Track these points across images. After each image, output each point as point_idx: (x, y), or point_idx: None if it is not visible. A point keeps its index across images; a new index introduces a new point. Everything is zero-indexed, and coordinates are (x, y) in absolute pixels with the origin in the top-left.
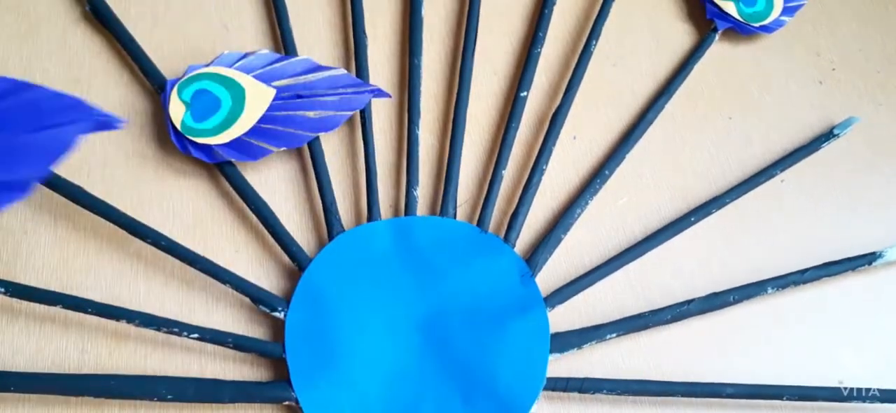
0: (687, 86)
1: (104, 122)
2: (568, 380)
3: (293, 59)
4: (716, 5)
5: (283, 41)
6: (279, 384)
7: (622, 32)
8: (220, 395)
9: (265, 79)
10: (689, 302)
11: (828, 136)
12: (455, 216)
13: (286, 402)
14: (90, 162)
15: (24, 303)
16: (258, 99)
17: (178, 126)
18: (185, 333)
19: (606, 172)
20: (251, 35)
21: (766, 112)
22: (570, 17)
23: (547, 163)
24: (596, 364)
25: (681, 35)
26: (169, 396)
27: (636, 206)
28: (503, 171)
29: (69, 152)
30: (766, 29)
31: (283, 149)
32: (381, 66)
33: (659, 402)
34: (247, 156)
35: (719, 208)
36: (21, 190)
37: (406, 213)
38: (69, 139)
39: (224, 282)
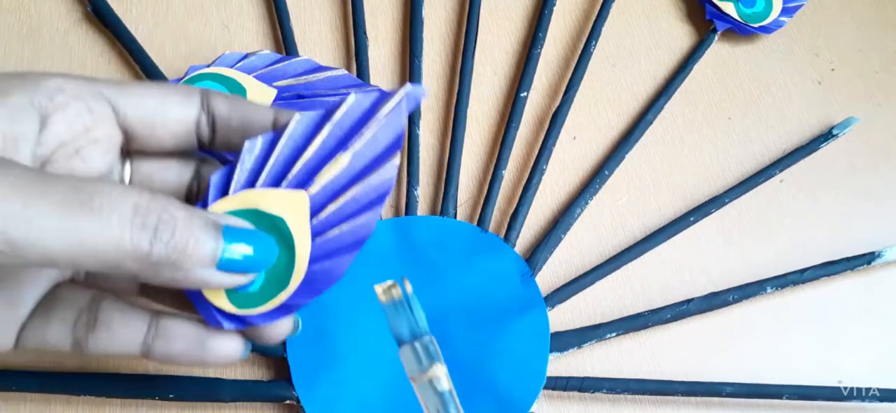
0: (686, 86)
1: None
2: (568, 379)
3: (294, 60)
4: (715, 6)
5: (284, 41)
6: (280, 383)
7: (622, 33)
8: (221, 393)
9: (266, 79)
10: (688, 301)
11: (827, 136)
12: (455, 216)
13: (287, 401)
14: None
15: None
16: (259, 99)
17: None
18: None
19: (606, 172)
20: (252, 35)
21: (766, 112)
22: (569, 18)
23: (547, 163)
24: (596, 363)
25: (680, 36)
26: (170, 395)
27: (636, 205)
28: (503, 171)
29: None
30: (766, 30)
31: None
32: (382, 66)
33: (659, 401)
34: None
35: (719, 208)
36: (337, 276)
37: (407, 213)
38: (371, 225)
39: None
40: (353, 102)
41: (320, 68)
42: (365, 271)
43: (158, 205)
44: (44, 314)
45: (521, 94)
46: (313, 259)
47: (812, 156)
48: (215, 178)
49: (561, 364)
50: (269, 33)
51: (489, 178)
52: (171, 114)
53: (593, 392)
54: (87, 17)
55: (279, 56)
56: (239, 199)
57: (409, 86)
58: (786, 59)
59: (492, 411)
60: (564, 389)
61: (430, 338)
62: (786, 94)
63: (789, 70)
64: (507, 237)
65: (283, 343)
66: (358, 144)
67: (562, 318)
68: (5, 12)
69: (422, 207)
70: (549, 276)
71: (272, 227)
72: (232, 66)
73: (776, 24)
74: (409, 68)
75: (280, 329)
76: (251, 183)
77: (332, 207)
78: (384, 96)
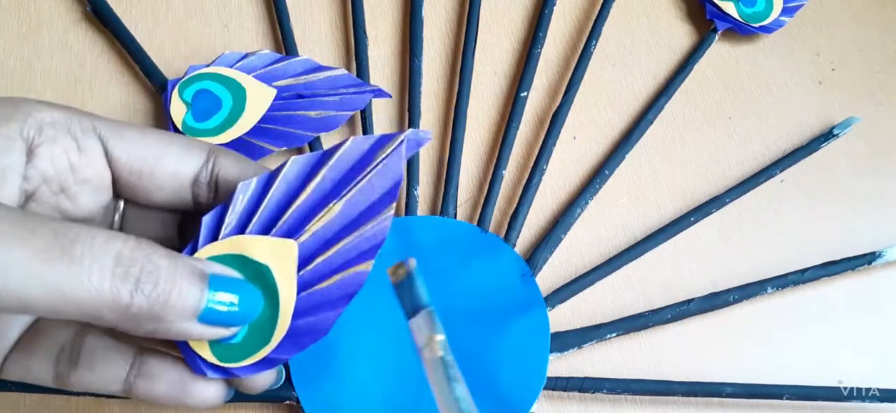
0: (687, 86)
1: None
2: (568, 379)
3: (294, 60)
4: (715, 6)
5: (283, 41)
6: None
7: (622, 33)
8: None
9: (266, 79)
10: (689, 301)
11: (827, 136)
12: (455, 216)
13: (287, 401)
14: None
15: None
16: (259, 99)
17: (180, 126)
18: None
19: (606, 172)
20: (252, 35)
21: (766, 112)
22: (570, 18)
23: (547, 163)
24: (596, 363)
25: (680, 35)
26: None
27: (636, 205)
28: (503, 171)
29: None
30: (766, 29)
31: (283, 148)
32: (382, 66)
33: (659, 402)
34: (248, 155)
35: (719, 208)
36: (322, 332)
37: (406, 213)
38: (360, 280)
39: None
40: (351, 145)
41: (320, 68)
42: None
43: (142, 254)
44: (27, 346)
45: (522, 94)
46: (298, 313)
47: (813, 156)
48: (207, 220)
49: (561, 364)
50: (268, 33)
51: (489, 178)
52: (162, 166)
53: (594, 392)
54: (86, 17)
55: (279, 56)
56: (227, 244)
57: (410, 131)
58: (786, 59)
59: (492, 412)
60: (565, 390)
61: (427, 310)
62: (786, 93)
63: (790, 70)
64: (507, 237)
65: None
66: (351, 192)
67: (562, 318)
68: (5, 12)
69: (422, 207)
70: (549, 276)
71: (257, 275)
72: (231, 66)
73: (777, 24)
74: (409, 68)
75: (262, 380)
76: (242, 227)
77: (320, 259)
78: (384, 140)
